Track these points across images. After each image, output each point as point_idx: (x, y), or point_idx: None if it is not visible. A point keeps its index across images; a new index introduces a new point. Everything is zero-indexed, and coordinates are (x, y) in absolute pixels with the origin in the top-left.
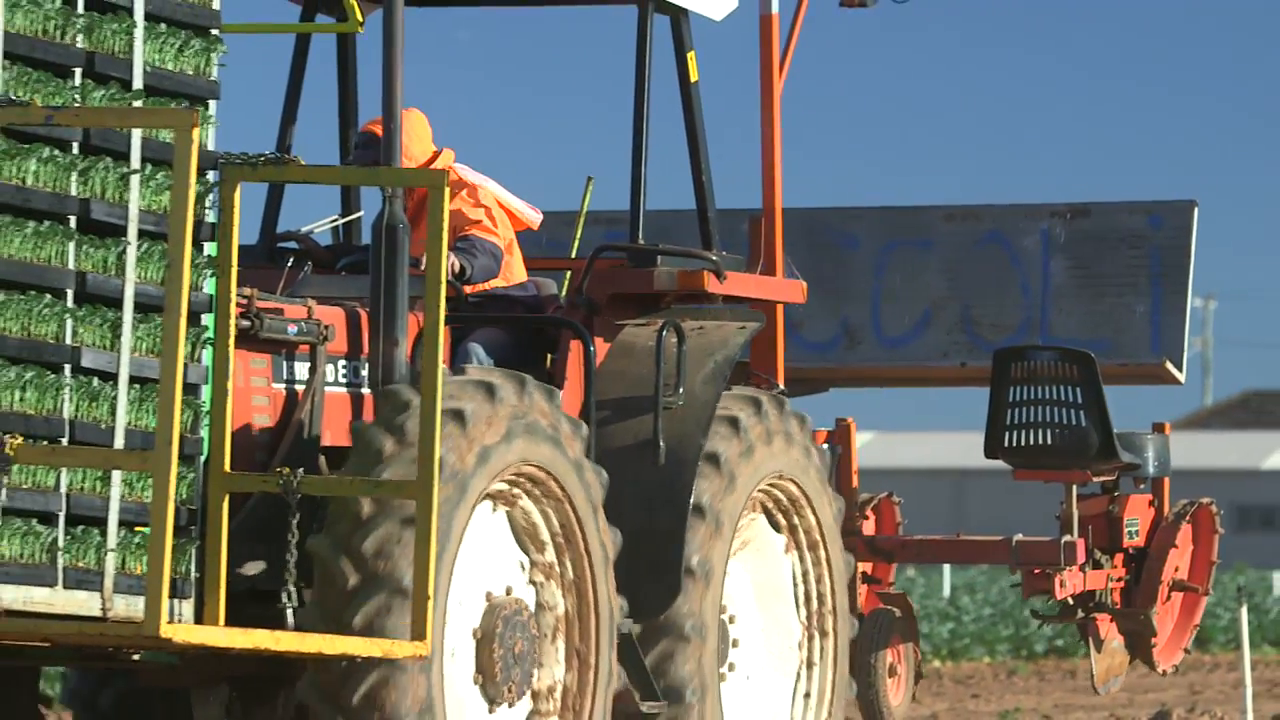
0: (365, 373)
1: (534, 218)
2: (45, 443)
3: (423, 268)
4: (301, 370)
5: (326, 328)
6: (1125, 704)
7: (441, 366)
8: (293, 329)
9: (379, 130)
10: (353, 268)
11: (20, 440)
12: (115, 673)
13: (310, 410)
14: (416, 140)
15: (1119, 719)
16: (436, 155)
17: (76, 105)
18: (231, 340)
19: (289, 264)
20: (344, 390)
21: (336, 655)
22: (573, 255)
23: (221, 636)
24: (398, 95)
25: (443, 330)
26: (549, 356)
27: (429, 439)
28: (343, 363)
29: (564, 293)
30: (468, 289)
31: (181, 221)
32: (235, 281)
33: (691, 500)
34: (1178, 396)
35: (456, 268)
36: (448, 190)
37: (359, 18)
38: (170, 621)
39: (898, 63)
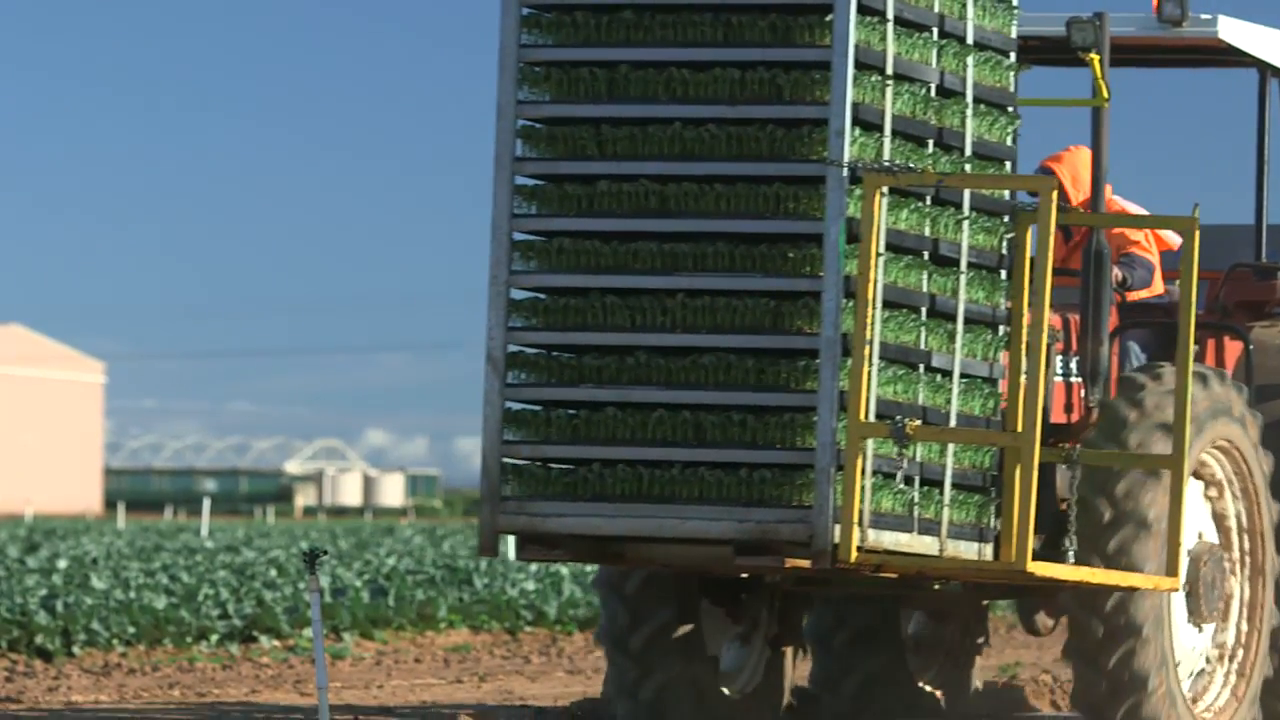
0: (1073, 365)
1: (1175, 240)
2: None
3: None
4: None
5: (1058, 332)
6: None
7: (1191, 365)
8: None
9: (1053, 165)
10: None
11: (917, 423)
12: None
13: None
14: (1085, 171)
15: None
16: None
17: (923, 169)
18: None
19: None
20: (1058, 379)
21: (1104, 585)
22: None
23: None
24: (1104, 147)
25: (1192, 337)
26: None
27: (1180, 420)
28: (1059, 358)
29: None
30: (1129, 296)
31: (1044, 258)
32: (1027, 300)
33: None
34: None
35: (1119, 278)
36: (1196, 240)
37: (1105, 94)
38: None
39: None
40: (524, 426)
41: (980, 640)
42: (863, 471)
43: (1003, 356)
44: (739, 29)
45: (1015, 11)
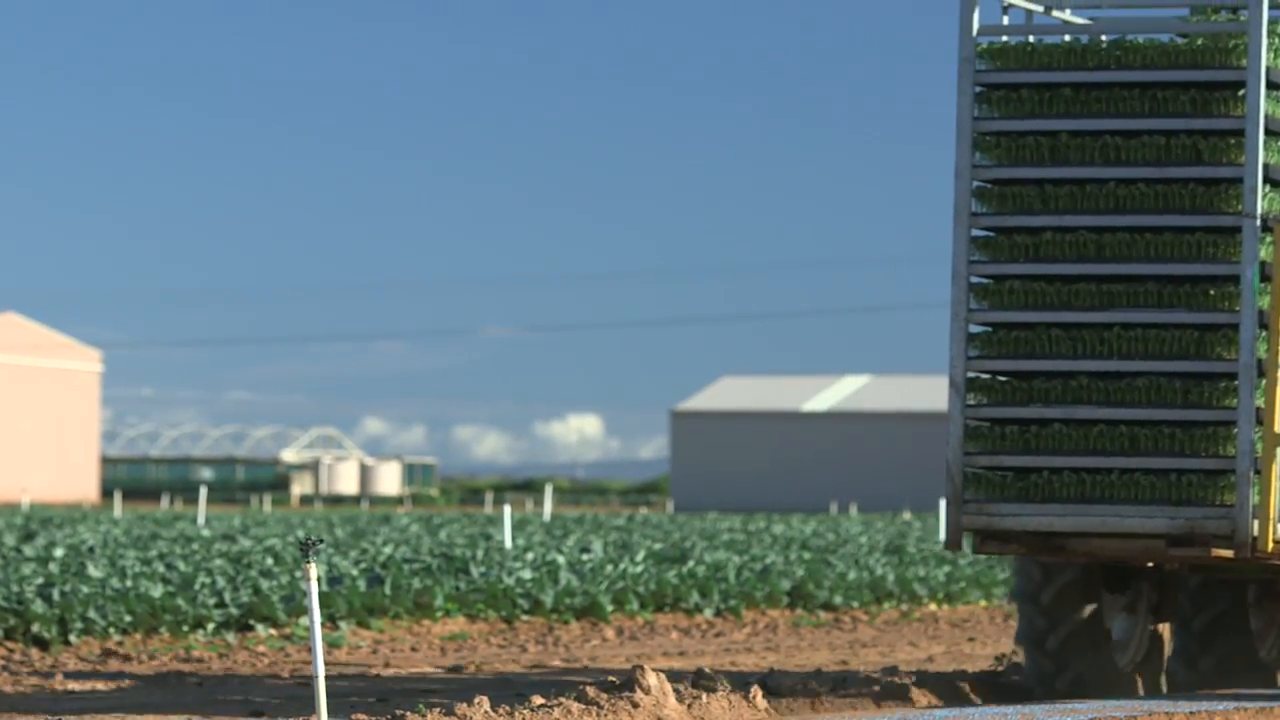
0: None
1: None
2: None
3: None
4: None
5: None
6: None
7: None
8: None
9: None
10: None
11: None
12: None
13: None
14: None
15: None
16: None
17: None
18: None
19: None
20: None
21: None
22: None
23: None
24: None
25: None
26: None
27: None
28: None
29: None
30: None
31: None
32: None
33: None
34: None
35: None
36: None
37: None
38: None
39: None
40: (980, 440)
41: None
42: (1276, 475)
43: None
44: (1163, 102)
45: None
